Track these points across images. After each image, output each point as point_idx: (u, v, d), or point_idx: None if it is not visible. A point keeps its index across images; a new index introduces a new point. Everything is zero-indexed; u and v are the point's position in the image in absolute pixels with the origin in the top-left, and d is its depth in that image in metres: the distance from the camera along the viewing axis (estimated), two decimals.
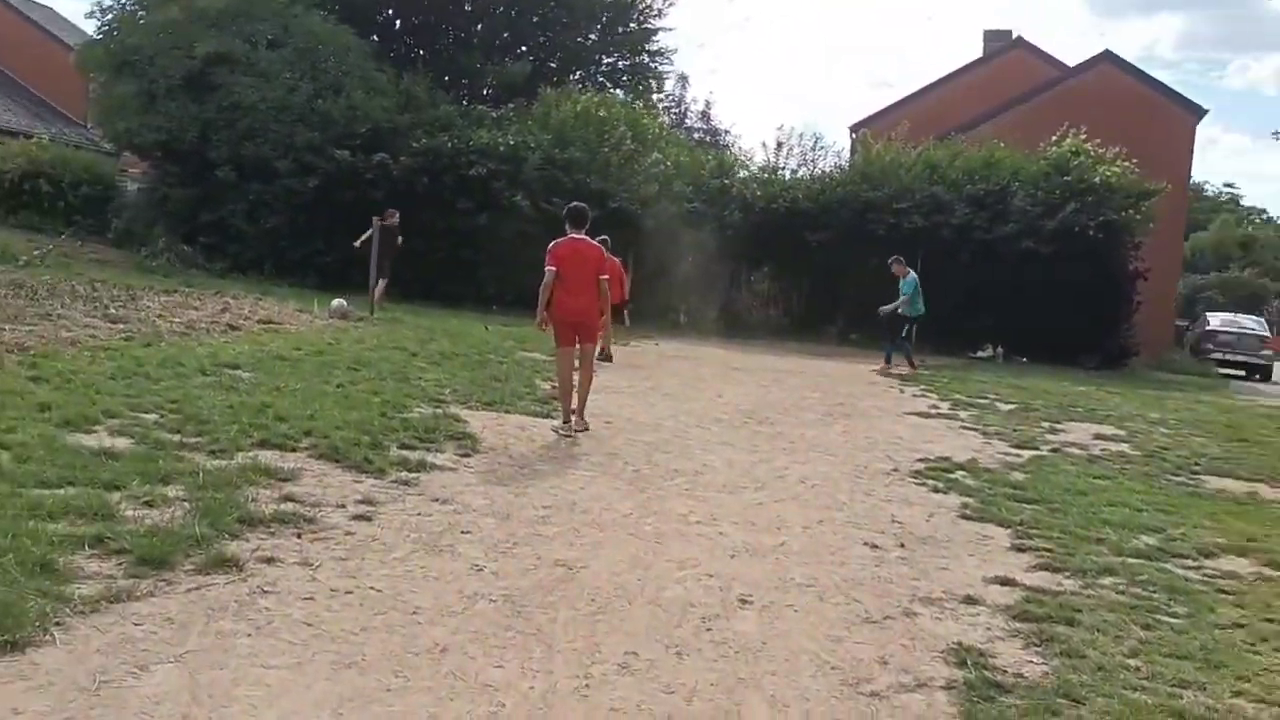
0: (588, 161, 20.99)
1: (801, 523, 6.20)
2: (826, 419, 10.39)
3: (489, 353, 12.71)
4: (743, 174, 22.80)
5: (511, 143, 21.18)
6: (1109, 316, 21.14)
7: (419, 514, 5.53)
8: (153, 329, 10.56)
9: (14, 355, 8.32)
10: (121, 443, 6.11)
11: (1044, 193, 20.35)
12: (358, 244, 17.17)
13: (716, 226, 21.68)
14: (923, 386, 13.95)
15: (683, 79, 37.84)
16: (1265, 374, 26.75)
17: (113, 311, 11.33)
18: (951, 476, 7.85)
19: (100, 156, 25.30)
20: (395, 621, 4.11)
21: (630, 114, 22.85)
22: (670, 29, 38.97)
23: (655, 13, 27.83)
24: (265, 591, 4.22)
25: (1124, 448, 9.99)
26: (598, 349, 10.75)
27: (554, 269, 8.18)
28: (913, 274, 16.94)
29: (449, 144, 21.17)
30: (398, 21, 27.64)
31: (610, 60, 28.75)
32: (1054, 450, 9.42)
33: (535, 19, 27.09)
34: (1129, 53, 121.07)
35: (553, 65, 27.28)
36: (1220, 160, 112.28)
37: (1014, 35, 33.19)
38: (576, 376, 8.42)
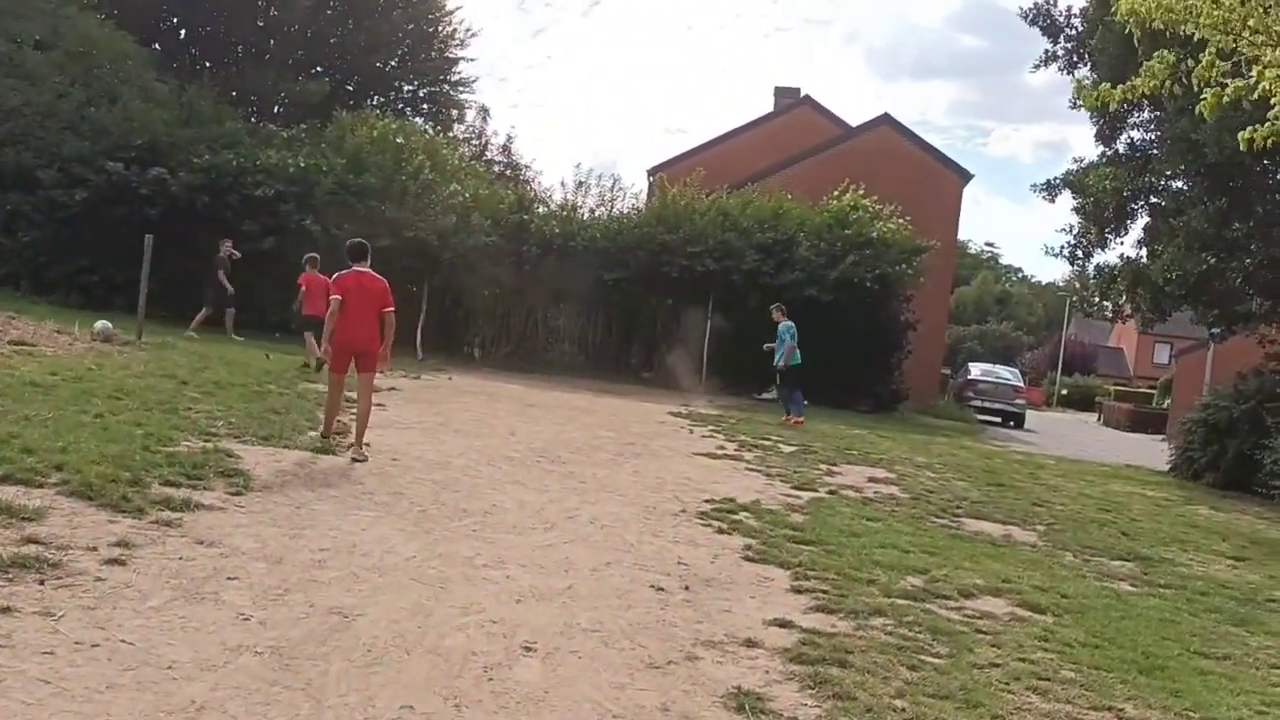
0: (383, 188, 20.50)
1: (590, 565, 6.16)
2: (618, 459, 10.44)
3: (269, 383, 12.10)
4: (542, 210, 22.82)
5: (303, 165, 20.43)
6: (882, 363, 22.35)
7: (180, 558, 5.15)
8: None
9: None
10: None
11: (826, 244, 21.35)
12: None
13: (514, 261, 21.60)
14: (711, 427, 14.27)
15: (484, 111, 37.46)
16: (1019, 421, 28.97)
17: None
18: (736, 518, 8.02)
19: None
20: (147, 678, 3.79)
21: (429, 143, 22.52)
22: (472, 59, 38.81)
23: (457, 43, 27.68)
24: None
25: (894, 490, 10.51)
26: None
27: (339, 298, 8.70)
28: (789, 321, 17.32)
29: (234, 162, 20.19)
30: (183, 31, 26.34)
31: (411, 88, 28.34)
32: (831, 492, 9.81)
33: (333, 40, 26.41)
34: (905, 116, 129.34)
35: (350, 88, 26.66)
36: (982, 220, 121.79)
37: (802, 93, 34.82)
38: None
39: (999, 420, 28.69)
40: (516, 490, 8.08)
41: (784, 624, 5.39)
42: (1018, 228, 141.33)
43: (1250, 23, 8.15)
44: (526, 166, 35.42)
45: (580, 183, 23.03)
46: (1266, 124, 7.98)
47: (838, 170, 24.51)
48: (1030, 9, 17.59)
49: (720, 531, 7.54)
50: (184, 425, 8.32)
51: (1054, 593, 6.79)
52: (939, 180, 27.87)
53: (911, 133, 29.00)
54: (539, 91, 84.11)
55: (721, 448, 12.19)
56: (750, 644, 5.02)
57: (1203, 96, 8.26)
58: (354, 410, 9.20)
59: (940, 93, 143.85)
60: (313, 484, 7.20)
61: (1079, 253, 17.71)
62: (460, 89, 28.49)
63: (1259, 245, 15.75)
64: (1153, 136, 16.15)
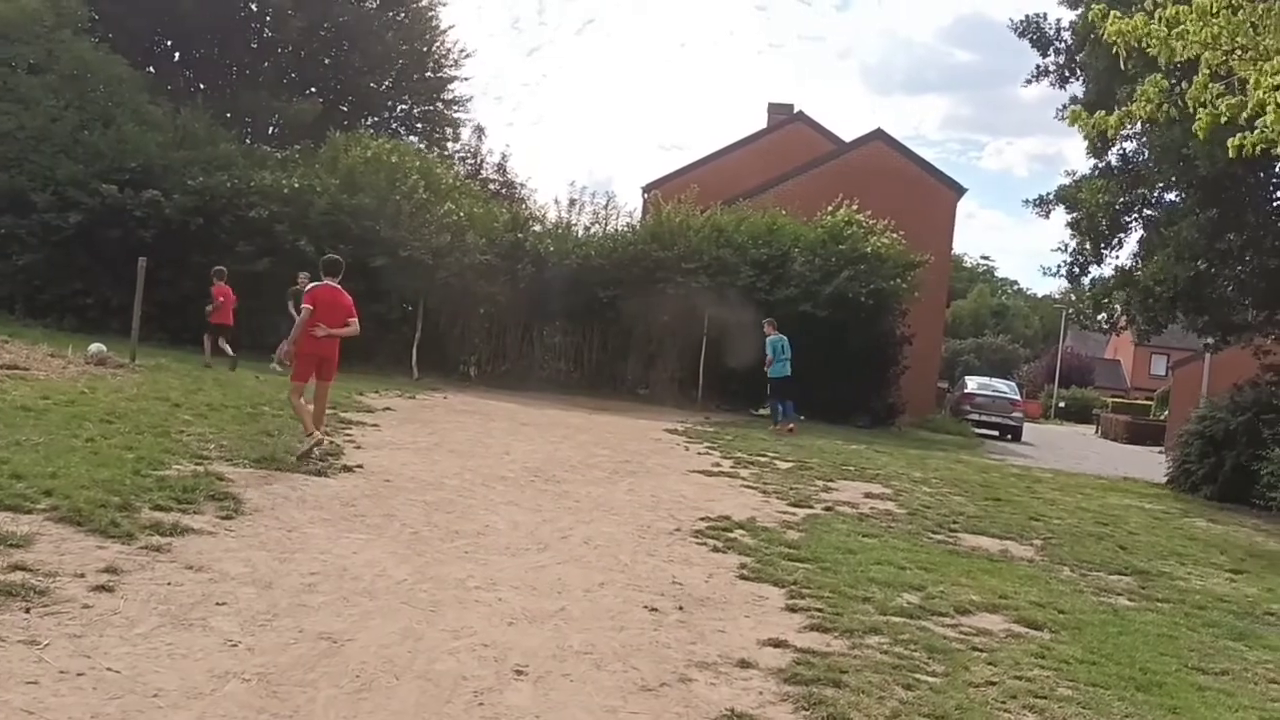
0: (377, 208, 20.50)
1: (583, 586, 6.12)
2: (613, 477, 10.40)
3: (262, 404, 12.07)
4: (536, 229, 22.85)
5: (296, 185, 20.44)
6: (878, 378, 22.36)
7: (169, 583, 5.10)
8: None
9: None
10: None
11: (821, 259, 21.38)
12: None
13: (509, 280, 21.60)
14: (706, 444, 14.24)
15: (479, 130, 37.56)
16: (1016, 434, 28.93)
17: None
18: (731, 536, 7.98)
19: None
20: (132, 706, 3.75)
21: (423, 162, 22.55)
22: (466, 78, 38.87)
23: (451, 62, 27.76)
24: None
25: (890, 506, 10.47)
26: None
27: (310, 307, 9.21)
28: (777, 335, 18.01)
29: (228, 183, 20.23)
30: (177, 54, 26.38)
31: (405, 107, 28.41)
32: (827, 509, 9.76)
33: (327, 60, 26.48)
34: (899, 131, 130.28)
35: (344, 108, 26.70)
36: (978, 234, 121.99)
37: (795, 109, 34.97)
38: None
39: (996, 434, 28.65)
40: (510, 511, 8.04)
41: (778, 644, 5.34)
42: (1013, 241, 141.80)
43: (1239, 39, 8.17)
44: (522, 184, 35.53)
45: (574, 200, 23.07)
46: (1256, 131, 7.99)
47: (831, 186, 24.58)
48: (1021, 22, 17.67)
49: (715, 550, 7.50)
50: (175, 448, 8.28)
51: (1051, 608, 6.75)
52: (932, 194, 27.96)
53: (904, 147, 29.12)
54: (534, 110, 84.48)
55: (717, 465, 12.16)
56: (744, 664, 4.97)
57: (1198, 117, 8.27)
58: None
59: (933, 107, 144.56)
60: (304, 506, 7.15)
61: (1075, 269, 17.71)
62: (454, 108, 28.59)
63: (1252, 255, 15.78)
64: (1144, 151, 16.17)
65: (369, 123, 26.01)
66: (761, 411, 21.71)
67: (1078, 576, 8.10)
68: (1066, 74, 17.18)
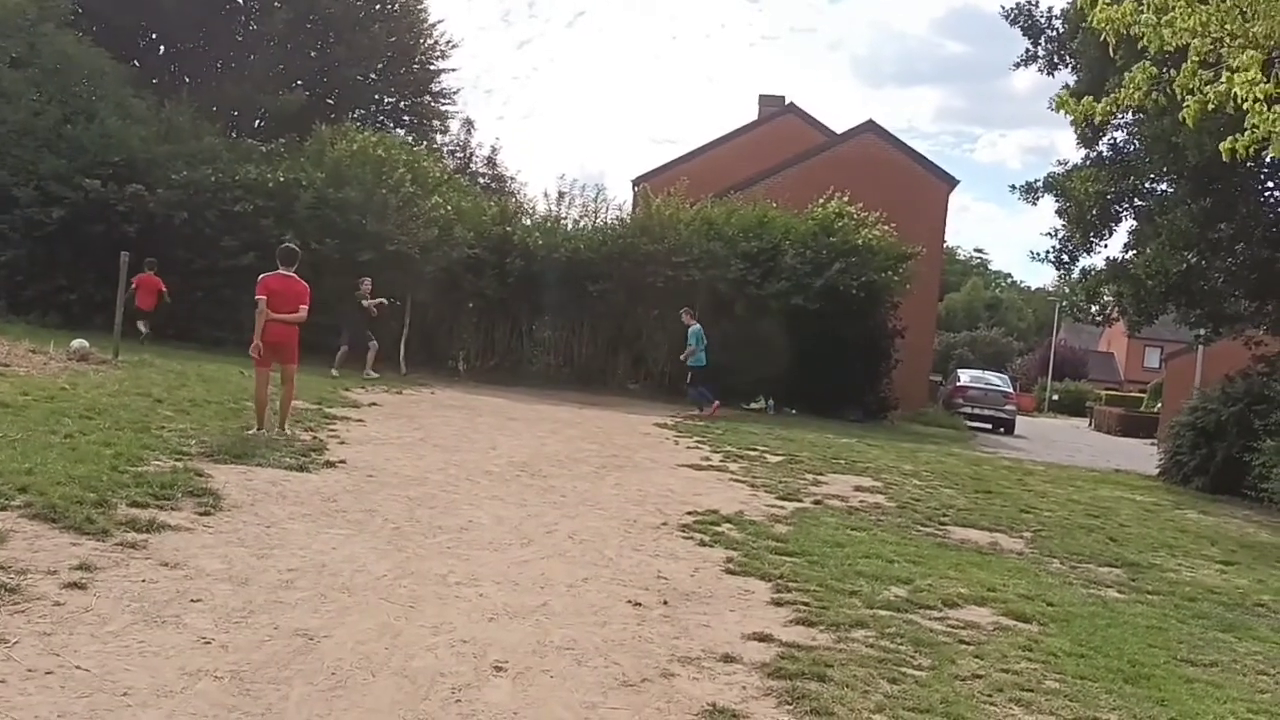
0: (364, 202, 20.33)
1: (566, 581, 6.04)
2: (601, 471, 10.32)
3: (245, 400, 11.92)
4: (525, 222, 22.73)
5: (282, 179, 20.28)
6: (870, 371, 22.31)
7: (143, 581, 5.01)
8: None
9: None
10: None
11: (812, 252, 21.29)
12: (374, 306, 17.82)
13: (498, 274, 21.49)
14: (696, 438, 14.17)
15: (468, 123, 37.46)
16: (1009, 427, 28.89)
17: None
18: (718, 530, 7.91)
19: None
20: (100, 705, 3.66)
21: (410, 155, 22.40)
22: (454, 69, 38.62)
23: (438, 54, 27.59)
24: None
25: (880, 499, 10.40)
26: None
27: (264, 297, 9.64)
28: (697, 325, 18.48)
29: (212, 177, 20.06)
30: (161, 47, 26.18)
31: (392, 100, 28.24)
32: (816, 502, 9.69)
33: (313, 53, 26.30)
34: (891, 123, 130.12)
35: (330, 101, 26.51)
36: (972, 227, 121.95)
37: (786, 101, 34.86)
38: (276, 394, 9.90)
39: (989, 427, 28.61)
40: (494, 505, 7.95)
41: (763, 638, 5.27)
42: (1006, 233, 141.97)
43: (1229, 26, 8.09)
44: (512, 178, 35.44)
45: (563, 194, 22.93)
46: (1246, 134, 7.91)
47: (823, 177, 24.47)
48: (1012, 9, 17.57)
49: (702, 544, 7.43)
50: (155, 444, 8.17)
51: (1040, 601, 6.69)
52: (925, 186, 27.90)
53: (896, 139, 29.04)
54: (524, 103, 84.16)
55: (707, 459, 12.08)
56: (728, 659, 4.90)
57: (1186, 104, 8.20)
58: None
59: (926, 99, 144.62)
60: (284, 502, 7.06)
61: (1064, 257, 17.66)
62: (442, 100, 28.42)
63: (1243, 246, 15.73)
64: (1135, 140, 16.11)
65: (356, 116, 25.81)
66: (754, 406, 21.70)
67: (1067, 569, 8.04)
68: (1056, 61, 17.09)
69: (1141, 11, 8.23)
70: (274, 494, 7.22)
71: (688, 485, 10.04)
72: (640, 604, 5.72)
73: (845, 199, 22.42)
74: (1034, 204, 17.96)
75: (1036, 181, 17.67)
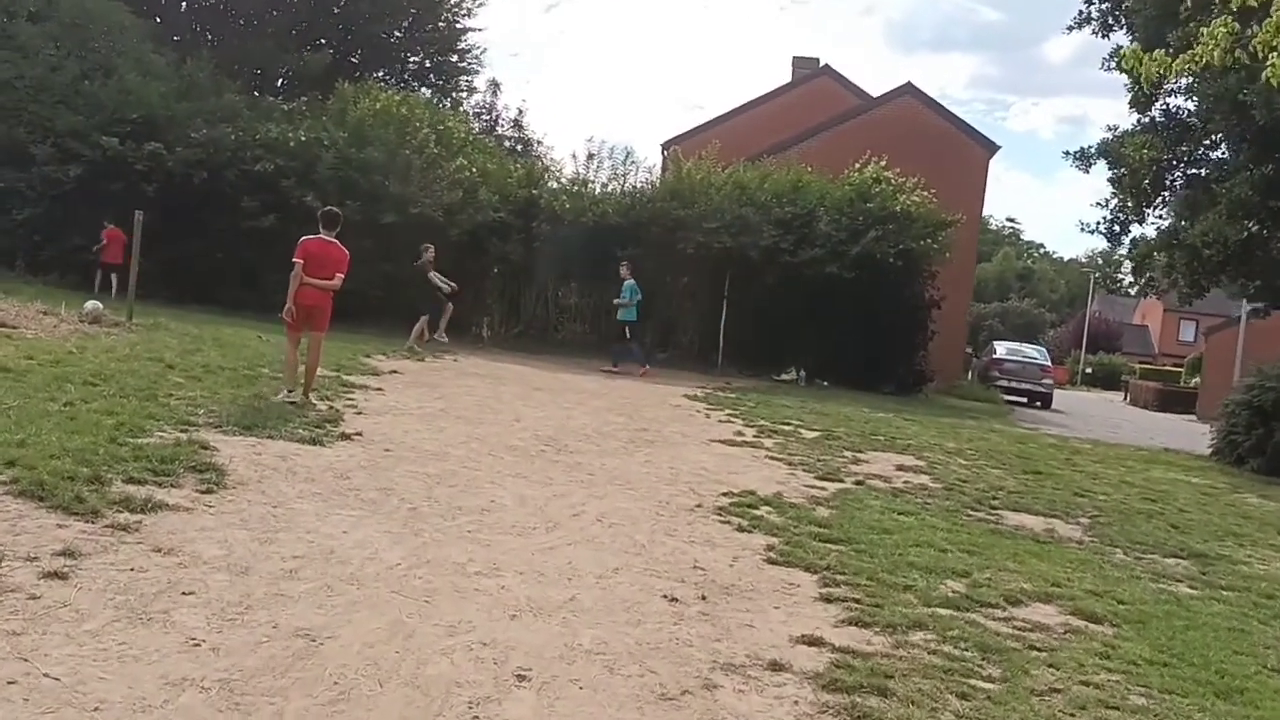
0: (387, 163, 19.83)
1: (595, 571, 5.55)
2: (630, 447, 9.81)
3: (261, 366, 11.51)
4: (552, 185, 22.11)
5: (303, 139, 19.80)
6: (906, 343, 21.66)
7: (132, 569, 4.54)
8: None
9: None
10: None
11: (848, 218, 20.62)
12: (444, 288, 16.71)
13: (524, 238, 20.94)
14: (728, 411, 13.64)
15: (495, 85, 36.66)
16: (1046, 401, 28.10)
17: None
18: (756, 513, 7.39)
19: None
20: None
21: (435, 115, 21.83)
22: (480, 29, 37.56)
23: (465, 12, 26.90)
24: None
25: (925, 479, 9.85)
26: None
27: (300, 261, 9.30)
28: (632, 280, 18.49)
29: (232, 135, 19.60)
30: (184, 3, 25.64)
31: (416, 59, 27.60)
32: (858, 483, 9.15)
33: (336, 10, 25.69)
34: (924, 89, 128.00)
35: (354, 60, 25.93)
36: (1004, 196, 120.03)
37: (821, 63, 33.94)
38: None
39: (1024, 401, 27.85)
40: (518, 484, 7.46)
41: (813, 641, 4.76)
42: (1039, 203, 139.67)
43: None
44: (539, 141, 34.73)
45: (591, 155, 22.26)
46: None
47: (859, 142, 23.72)
48: None
49: (740, 529, 6.92)
50: (160, 414, 7.72)
51: (1109, 598, 6.13)
52: (964, 152, 27.02)
53: (936, 103, 28.15)
54: (552, 67, 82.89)
55: (740, 433, 11.55)
56: (776, 667, 4.39)
57: (1270, 64, 7.52)
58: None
59: (960, 66, 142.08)
60: (294, 479, 6.58)
61: (1115, 227, 16.90)
62: (468, 59, 27.76)
63: None
64: (1194, 103, 15.30)
65: (380, 75, 25.20)
66: (785, 376, 21.14)
67: (1132, 560, 7.47)
68: (1110, 22, 16.26)
69: None
70: (283, 470, 6.74)
71: (722, 462, 9.52)
72: (676, 599, 5.22)
73: (883, 164, 21.66)
74: (1086, 171, 17.22)
75: (1090, 148, 16.93)
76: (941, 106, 28.56)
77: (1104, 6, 16.23)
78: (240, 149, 19.63)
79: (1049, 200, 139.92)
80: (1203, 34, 8.31)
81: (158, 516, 5.32)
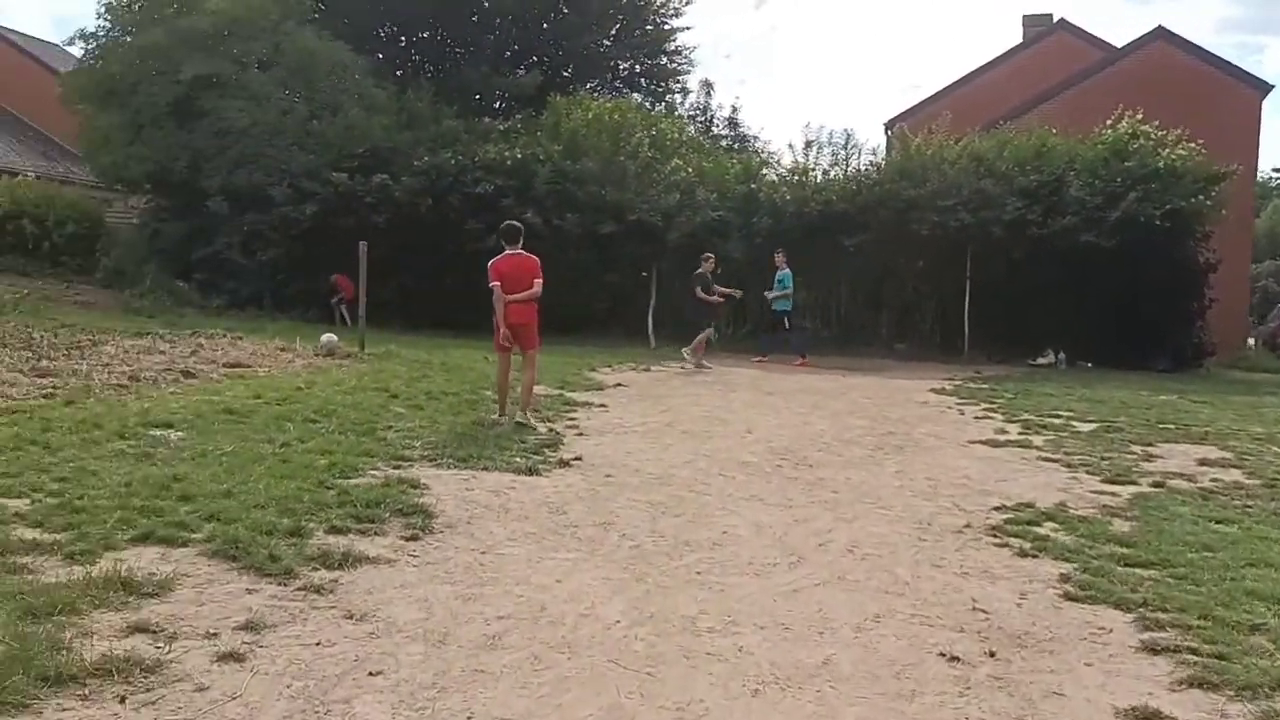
0: (602, 172, 19.51)
1: (851, 620, 4.60)
2: (877, 455, 8.74)
3: (487, 388, 11.20)
4: (771, 177, 21.13)
5: (519, 156, 19.77)
6: (1180, 314, 19.27)
7: (318, 643, 4.00)
8: (85, 383, 9.15)
9: None
10: None
11: (1103, 181, 18.55)
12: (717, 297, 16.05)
13: (744, 235, 20.07)
14: (983, 405, 12.24)
15: (707, 85, 36.10)
16: None
17: (46, 363, 9.94)
18: (1039, 531, 6.20)
19: (89, 192, 23.94)
20: None
21: (648, 118, 21.37)
22: (688, 27, 36.94)
23: (672, 12, 26.38)
24: None
25: (1237, 475, 8.24)
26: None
27: (498, 283, 9.05)
28: (788, 269, 17.44)
29: (453, 160, 19.82)
30: (402, 39, 26.42)
31: (627, 65, 27.32)
32: (1157, 485, 7.70)
33: (545, 26, 25.75)
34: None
35: (566, 74, 25.92)
36: (1267, 143, 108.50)
37: (1055, 19, 31.28)
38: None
39: None
40: (753, 508, 6.58)
41: (1149, 717, 3.64)
42: None
43: None
44: (754, 137, 33.84)
45: (810, 142, 21.10)
46: None
47: (1105, 98, 21.46)
48: None
49: (1022, 554, 5.76)
50: (376, 449, 7.37)
51: None
52: (1230, 96, 23.98)
53: (1192, 45, 25.16)
54: (764, 64, 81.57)
55: (1002, 431, 10.21)
56: None
57: None
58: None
59: (1204, 9, 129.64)
60: (506, 517, 5.99)
61: None
62: (678, 60, 27.23)
63: None
64: None
65: (592, 86, 25.05)
66: (1042, 361, 19.28)
67: None
68: None
69: None
70: (495, 507, 6.17)
71: (986, 468, 8.29)
72: (957, 657, 4.20)
73: (1138, 117, 19.37)
74: None
75: None
76: (1199, 48, 25.51)
77: None
78: (461, 173, 19.83)
79: None
80: None
81: (356, 573, 4.80)
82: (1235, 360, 22.44)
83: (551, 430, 8.88)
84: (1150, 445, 9.51)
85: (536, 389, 11.39)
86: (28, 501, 5.53)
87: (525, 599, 4.64)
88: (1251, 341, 27.91)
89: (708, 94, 35.89)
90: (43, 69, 30.54)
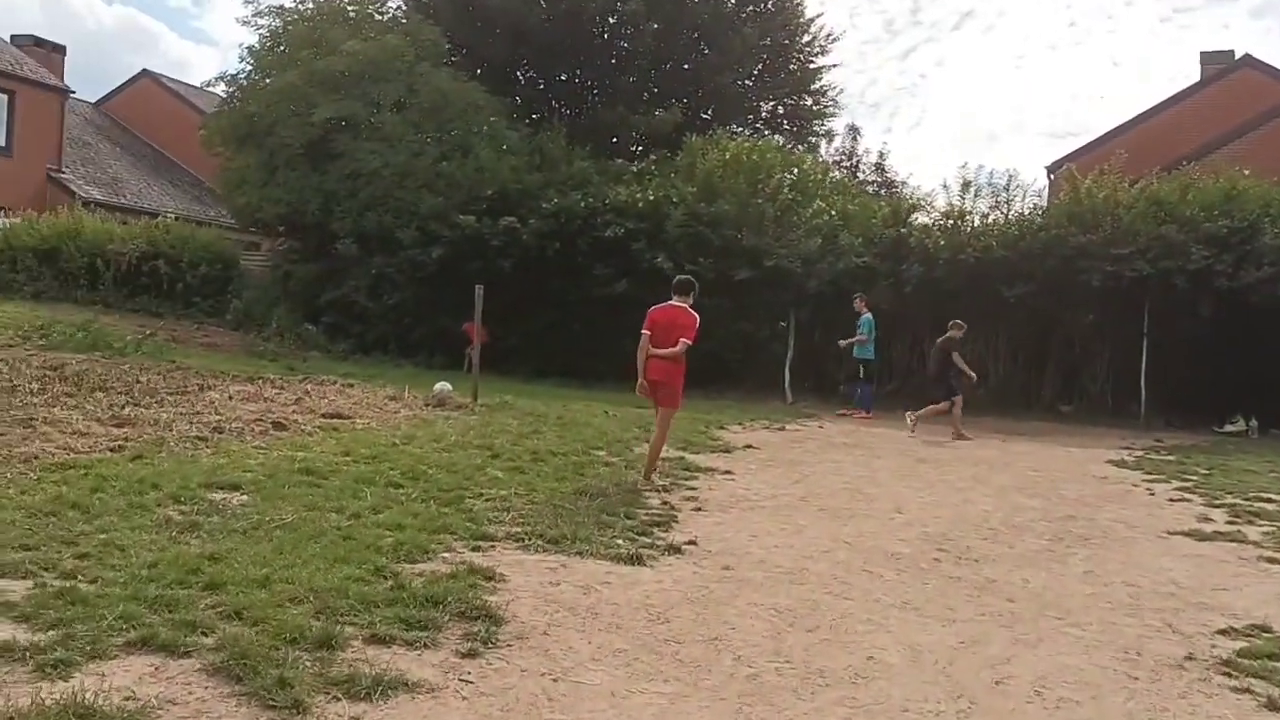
0: (738, 215, 18.41)
1: None
2: (1057, 547, 7.24)
3: (600, 447, 10.14)
4: (923, 221, 19.60)
5: (651, 198, 18.86)
6: None
7: None
8: (162, 434, 8.46)
9: None
10: None
11: None
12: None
13: (892, 284, 18.58)
14: (1175, 483, 10.50)
15: (854, 130, 34.97)
16: None
17: (130, 410, 9.32)
18: None
19: (224, 234, 24.11)
20: None
21: (787, 158, 20.19)
22: (835, 65, 35.46)
23: (818, 50, 25.21)
24: None
25: None
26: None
27: (647, 333, 8.55)
28: (869, 314, 16.66)
29: (582, 203, 19.05)
30: (541, 82, 26.04)
31: (770, 105, 26.25)
32: None
33: (686, 66, 24.96)
34: None
35: (705, 116, 25.01)
36: None
37: (1236, 55, 28.80)
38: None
39: None
40: (906, 622, 5.23)
41: None
42: None
43: None
44: (902, 183, 32.27)
45: (967, 183, 19.47)
46: None
47: None
48: None
49: (1271, 707, 4.28)
50: (456, 524, 6.33)
51: None
52: None
53: None
54: (912, 113, 79.19)
55: (1206, 519, 8.52)
56: None
57: None
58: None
59: None
60: (593, 625, 4.82)
61: None
62: (823, 101, 25.98)
63: None
64: None
65: (733, 127, 24.05)
66: (1230, 428, 17.15)
67: None
68: None
69: None
70: (581, 610, 5.01)
71: (1196, 570, 6.71)
72: None
73: None
74: None
75: None
76: None
77: None
78: (591, 215, 19.06)
79: None
80: None
81: (385, 708, 3.71)
82: None
83: (665, 503, 7.71)
84: None
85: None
86: (30, 584, 4.66)
87: None
88: None
89: (854, 138, 34.65)
90: (196, 113, 31.49)
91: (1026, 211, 19.06)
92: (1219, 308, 16.73)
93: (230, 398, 11.30)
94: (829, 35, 25.97)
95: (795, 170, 20.17)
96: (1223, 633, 5.30)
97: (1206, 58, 30.10)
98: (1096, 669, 4.71)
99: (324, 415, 10.32)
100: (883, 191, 32.62)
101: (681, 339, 8.38)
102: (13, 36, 30.00)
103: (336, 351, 18.94)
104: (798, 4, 25.44)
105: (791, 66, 25.38)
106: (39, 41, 30.27)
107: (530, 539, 6.18)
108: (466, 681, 4.03)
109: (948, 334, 14.63)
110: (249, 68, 21.30)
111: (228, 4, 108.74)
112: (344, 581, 4.91)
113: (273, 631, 4.19)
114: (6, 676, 3.69)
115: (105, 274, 20.50)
